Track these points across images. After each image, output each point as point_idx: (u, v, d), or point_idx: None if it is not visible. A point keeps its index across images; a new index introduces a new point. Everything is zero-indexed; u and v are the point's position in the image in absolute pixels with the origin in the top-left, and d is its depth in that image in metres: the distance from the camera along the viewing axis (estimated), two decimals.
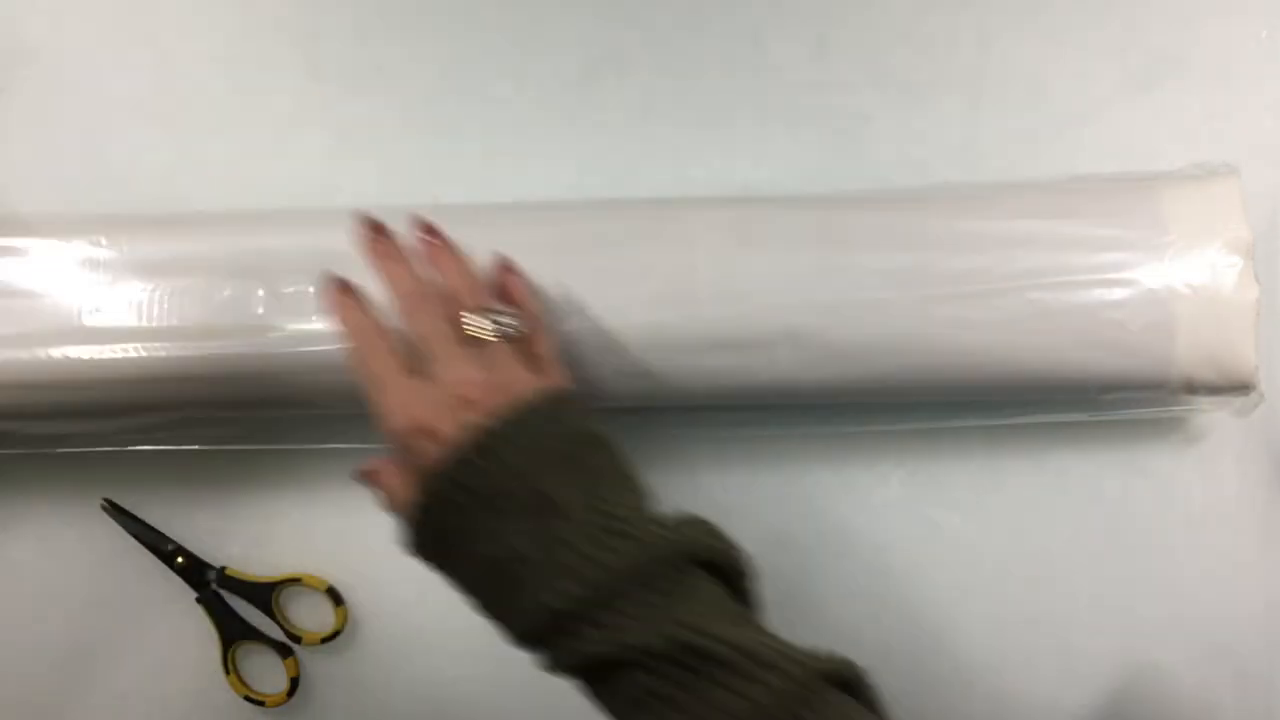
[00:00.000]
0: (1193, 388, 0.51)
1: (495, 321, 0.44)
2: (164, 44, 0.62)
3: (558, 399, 0.43)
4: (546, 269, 0.51)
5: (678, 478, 0.59)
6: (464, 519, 0.40)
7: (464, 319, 0.45)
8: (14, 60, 0.61)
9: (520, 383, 0.43)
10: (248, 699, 0.57)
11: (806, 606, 0.58)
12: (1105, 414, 0.55)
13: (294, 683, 0.57)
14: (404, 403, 0.42)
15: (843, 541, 0.58)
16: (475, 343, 0.44)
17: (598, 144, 0.61)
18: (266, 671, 0.58)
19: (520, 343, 0.45)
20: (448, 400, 0.42)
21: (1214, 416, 0.58)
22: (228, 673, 0.57)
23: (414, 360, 0.44)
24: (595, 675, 0.39)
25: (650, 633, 0.37)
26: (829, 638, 0.58)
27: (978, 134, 0.60)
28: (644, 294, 0.51)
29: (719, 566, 0.41)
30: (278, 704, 0.57)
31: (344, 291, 0.47)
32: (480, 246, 0.50)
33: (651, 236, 0.52)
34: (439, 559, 0.42)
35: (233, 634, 0.57)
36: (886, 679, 0.58)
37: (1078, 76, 0.61)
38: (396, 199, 0.60)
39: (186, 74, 0.62)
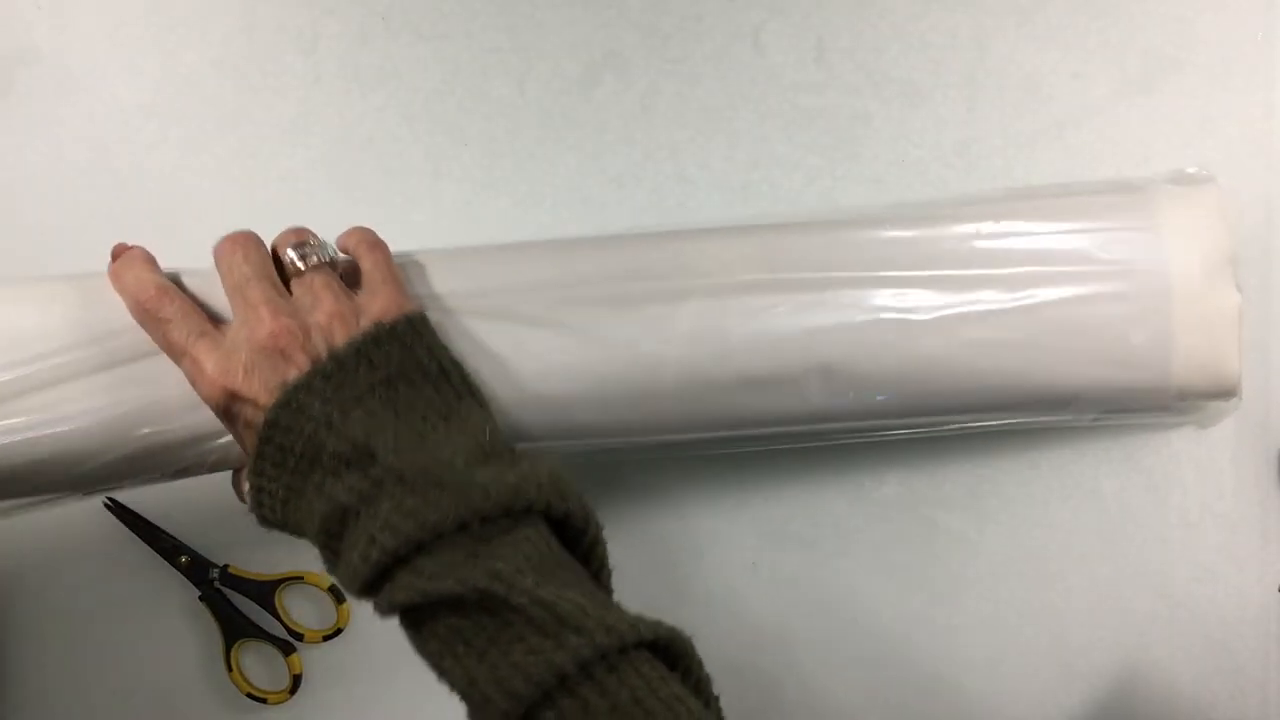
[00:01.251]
0: (1184, 395, 0.52)
1: (294, 251, 0.44)
2: (168, 46, 0.62)
3: (374, 335, 0.41)
4: (566, 311, 0.49)
5: (678, 477, 0.59)
6: (291, 479, 0.40)
7: (280, 255, 0.44)
8: (17, 61, 0.62)
9: (338, 321, 0.42)
10: (250, 696, 0.57)
11: (803, 603, 0.58)
12: (1097, 421, 0.55)
13: (296, 680, 0.58)
14: (216, 373, 0.41)
15: (840, 540, 0.59)
16: (291, 277, 0.44)
17: (598, 144, 0.61)
18: (269, 669, 0.58)
19: (332, 268, 0.44)
20: (257, 359, 0.41)
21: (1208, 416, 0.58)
22: (230, 670, 0.57)
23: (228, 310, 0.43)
24: (410, 620, 0.38)
25: (457, 582, 0.36)
26: (826, 635, 0.58)
27: (976, 135, 0.61)
28: (676, 335, 0.49)
29: (556, 521, 0.40)
30: (280, 701, 0.58)
31: (120, 252, 0.45)
32: (493, 285, 0.50)
33: (679, 274, 0.51)
34: (287, 525, 0.42)
35: (235, 632, 0.57)
36: (884, 677, 0.58)
37: (1075, 78, 0.61)
38: (398, 198, 0.61)
39: (190, 76, 0.62)
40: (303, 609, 0.59)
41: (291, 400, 0.40)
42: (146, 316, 0.44)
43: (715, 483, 0.59)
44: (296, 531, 0.42)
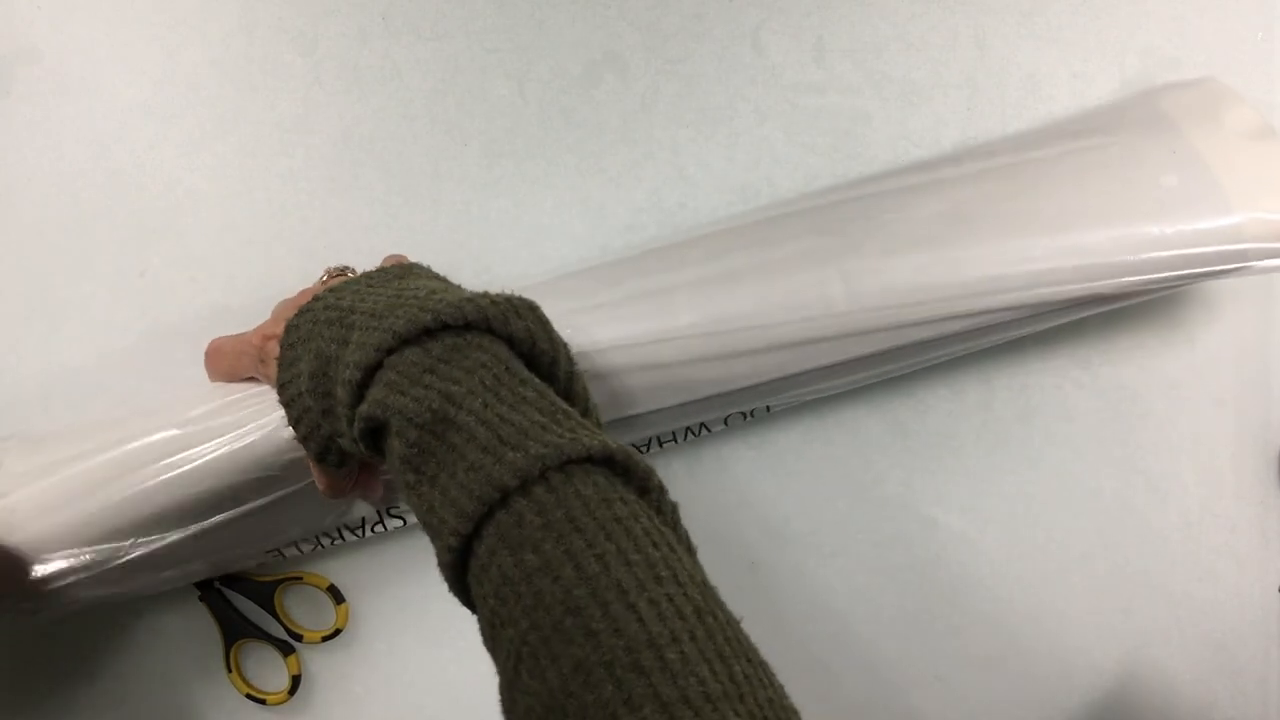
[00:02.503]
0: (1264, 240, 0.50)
1: (328, 271, 0.50)
2: (168, 46, 0.62)
3: (379, 268, 0.46)
4: (565, 281, 0.52)
5: (676, 477, 0.59)
6: (293, 367, 0.44)
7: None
8: (17, 61, 0.62)
9: (345, 275, 0.47)
10: (249, 697, 0.57)
11: (804, 603, 0.58)
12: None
13: (295, 680, 0.57)
14: (255, 330, 0.48)
15: (840, 539, 0.59)
16: None
17: (598, 144, 0.61)
18: (268, 669, 0.58)
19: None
20: (287, 312, 0.47)
21: (1208, 418, 0.58)
22: (229, 670, 0.57)
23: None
24: (376, 441, 0.40)
25: (416, 401, 0.37)
26: (826, 635, 0.58)
27: (975, 135, 0.61)
28: (682, 282, 0.50)
29: (525, 351, 0.41)
30: (279, 702, 0.58)
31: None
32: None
33: (678, 248, 0.52)
34: (319, 424, 0.43)
35: (235, 632, 0.57)
36: (884, 677, 0.58)
37: (1075, 78, 0.61)
38: (398, 198, 0.61)
39: (190, 76, 0.62)
40: (302, 609, 0.59)
41: (305, 309, 0.45)
42: (214, 352, 0.51)
43: (715, 482, 0.59)
44: (319, 404, 0.43)
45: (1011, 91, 0.61)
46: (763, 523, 0.59)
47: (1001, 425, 0.59)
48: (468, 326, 0.40)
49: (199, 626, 0.58)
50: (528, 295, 0.43)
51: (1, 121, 0.61)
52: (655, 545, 0.35)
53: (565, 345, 0.42)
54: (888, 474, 0.59)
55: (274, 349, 0.46)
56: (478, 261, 0.60)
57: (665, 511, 0.38)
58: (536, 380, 0.40)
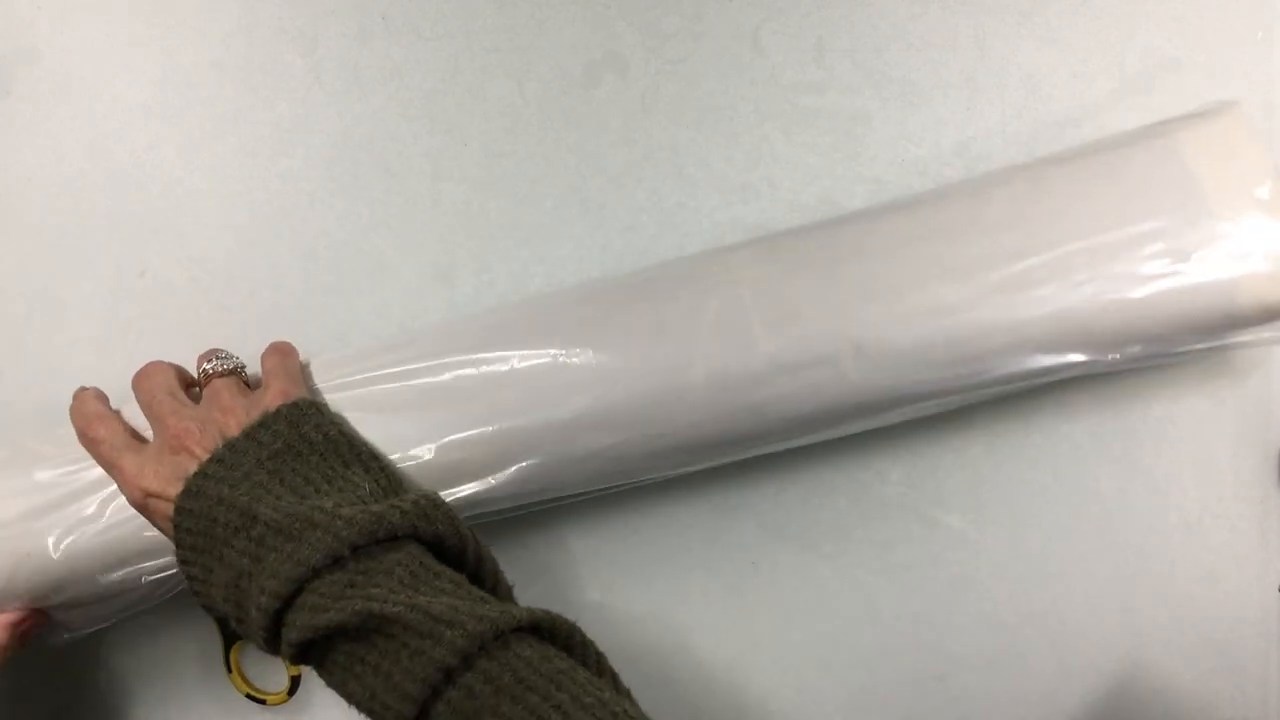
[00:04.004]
0: (1262, 318, 0.50)
1: (207, 364, 0.49)
2: (168, 46, 0.62)
3: (262, 420, 0.46)
4: (590, 329, 0.51)
5: (677, 478, 0.59)
6: (204, 558, 0.44)
7: (196, 370, 0.50)
8: (17, 61, 0.62)
9: (232, 415, 0.46)
10: (249, 697, 0.57)
11: (804, 604, 0.58)
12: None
13: (294, 681, 0.57)
14: (133, 476, 0.46)
15: (840, 540, 0.59)
16: (197, 388, 0.49)
17: (598, 144, 0.61)
18: (268, 669, 0.58)
19: (235, 374, 0.49)
20: (167, 457, 0.46)
21: (1208, 418, 0.58)
22: (229, 671, 0.57)
23: (152, 427, 0.48)
24: (311, 657, 0.42)
25: (341, 611, 0.40)
26: (827, 634, 0.58)
27: (975, 135, 0.61)
28: (699, 345, 0.50)
29: (433, 545, 0.44)
30: (279, 702, 0.58)
31: (80, 394, 0.50)
32: (529, 316, 0.52)
33: (691, 289, 0.51)
34: (223, 608, 0.44)
35: (234, 633, 0.57)
36: (884, 677, 0.58)
37: (1075, 78, 0.61)
38: (397, 198, 0.61)
39: (190, 76, 0.62)
40: None
41: (192, 487, 0.44)
42: (84, 440, 0.48)
43: (715, 483, 0.59)
44: (233, 612, 0.44)
45: (1011, 91, 0.61)
46: (762, 523, 0.59)
47: (1001, 425, 0.59)
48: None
49: (199, 626, 0.58)
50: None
51: (1, 121, 0.61)
52: (601, 689, 0.38)
53: (472, 533, 0.45)
54: (888, 474, 0.59)
55: (161, 509, 0.45)
56: (478, 261, 0.60)
57: (589, 664, 0.41)
58: (450, 571, 0.42)
